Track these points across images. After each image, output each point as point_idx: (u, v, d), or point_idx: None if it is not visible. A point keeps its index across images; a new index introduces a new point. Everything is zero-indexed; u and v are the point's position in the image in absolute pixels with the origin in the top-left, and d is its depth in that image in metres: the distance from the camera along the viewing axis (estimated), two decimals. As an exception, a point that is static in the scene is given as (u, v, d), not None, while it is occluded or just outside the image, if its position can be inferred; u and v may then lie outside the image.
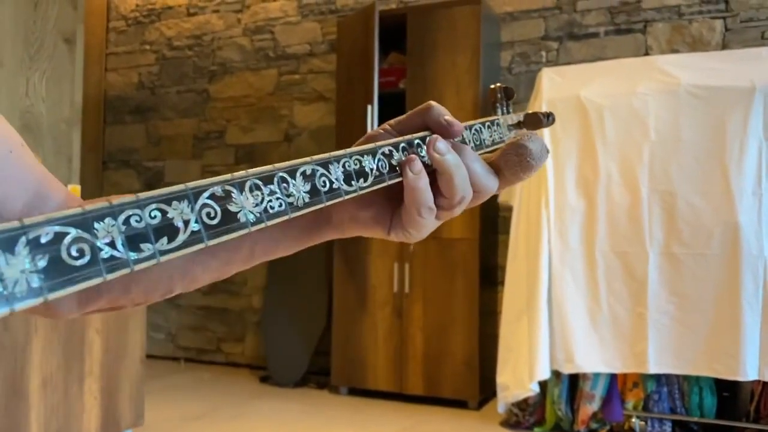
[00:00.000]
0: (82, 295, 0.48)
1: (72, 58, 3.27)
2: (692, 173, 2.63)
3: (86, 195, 3.59)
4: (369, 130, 3.25)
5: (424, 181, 0.47)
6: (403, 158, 0.46)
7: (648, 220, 2.67)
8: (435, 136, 0.48)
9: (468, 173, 0.48)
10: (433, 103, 0.51)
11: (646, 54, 3.41)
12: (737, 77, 2.62)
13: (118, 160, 4.82)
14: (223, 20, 4.48)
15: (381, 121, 3.31)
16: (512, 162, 0.50)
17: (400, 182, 0.47)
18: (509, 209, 3.06)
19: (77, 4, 3.30)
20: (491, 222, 3.53)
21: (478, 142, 0.54)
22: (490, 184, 0.50)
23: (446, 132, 0.50)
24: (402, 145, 0.47)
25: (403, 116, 0.52)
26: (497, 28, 3.67)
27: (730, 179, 2.56)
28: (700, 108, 2.64)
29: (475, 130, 0.54)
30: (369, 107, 3.29)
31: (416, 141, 0.49)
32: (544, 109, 2.82)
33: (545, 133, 2.82)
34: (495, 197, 3.16)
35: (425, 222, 0.48)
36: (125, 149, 4.79)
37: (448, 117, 0.50)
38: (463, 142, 0.52)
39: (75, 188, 3.07)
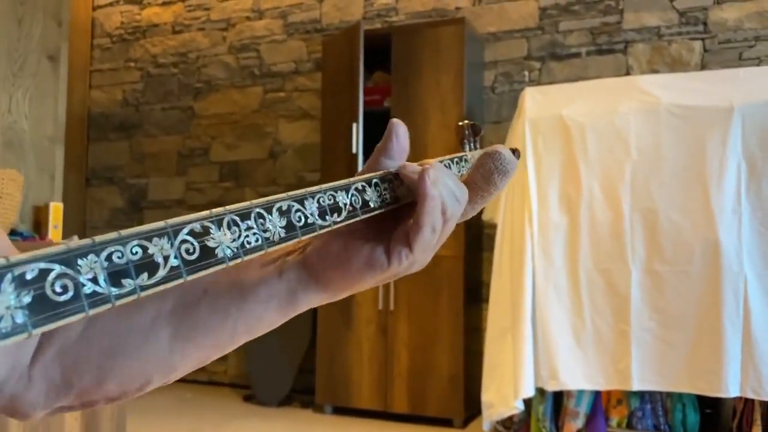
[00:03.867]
0: (51, 386, 0.46)
1: (56, 75, 3.26)
2: (673, 191, 2.67)
3: (69, 212, 3.56)
4: (354, 148, 3.28)
5: (437, 190, 0.47)
6: (376, 194, 0.47)
7: (630, 238, 2.70)
8: (426, 167, 0.48)
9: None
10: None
11: (627, 74, 3.46)
12: (716, 97, 2.66)
13: (101, 177, 4.79)
14: (209, 38, 4.50)
15: (366, 139, 3.32)
16: (489, 169, 0.52)
17: (383, 213, 0.47)
18: (494, 227, 3.08)
19: (62, 22, 3.30)
20: (476, 239, 3.54)
21: None
22: (461, 195, 0.50)
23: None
24: (374, 180, 0.48)
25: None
26: (481, 48, 3.71)
27: (710, 197, 2.60)
28: (680, 127, 2.68)
29: (445, 165, 0.55)
30: (354, 125, 3.30)
31: (389, 177, 0.50)
32: (527, 128, 2.86)
33: (528, 152, 2.84)
34: (480, 214, 3.18)
35: (432, 239, 0.48)
36: (109, 166, 4.77)
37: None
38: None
39: (57, 206, 3.05)
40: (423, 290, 3.34)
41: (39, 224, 3.05)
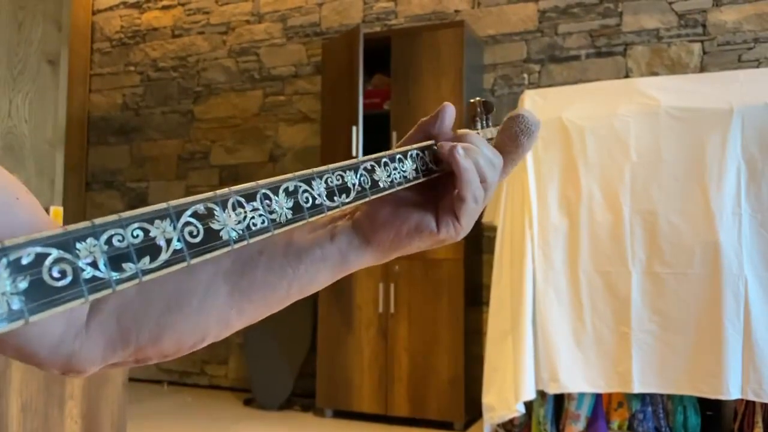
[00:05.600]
0: (108, 342, 0.46)
1: (56, 79, 3.27)
2: (673, 193, 2.66)
3: (69, 216, 3.56)
4: (353, 150, 3.28)
5: (471, 162, 0.50)
6: (385, 173, 0.48)
7: (630, 240, 2.69)
8: (456, 143, 0.51)
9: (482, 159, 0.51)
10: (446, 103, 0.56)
11: (627, 76, 3.46)
12: (715, 99, 2.66)
13: (101, 181, 4.79)
14: (208, 42, 4.50)
15: (366, 142, 3.33)
16: (514, 132, 0.54)
17: (422, 182, 0.50)
18: (493, 229, 3.07)
19: (62, 26, 3.30)
20: (476, 242, 3.54)
21: None
22: (496, 160, 0.53)
23: (441, 134, 0.54)
24: (384, 160, 0.48)
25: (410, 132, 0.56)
26: (480, 50, 3.72)
27: (710, 199, 2.60)
28: (679, 129, 2.68)
29: None
30: (354, 128, 3.31)
31: (398, 156, 0.50)
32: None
33: (527, 154, 2.84)
34: (479, 217, 3.17)
35: (476, 208, 0.51)
36: (109, 170, 4.77)
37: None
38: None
39: (57, 210, 3.05)
40: (423, 293, 3.34)
41: (39, 228, 3.05)
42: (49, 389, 2.10)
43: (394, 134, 3.45)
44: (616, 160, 2.74)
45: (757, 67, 3.25)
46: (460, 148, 0.49)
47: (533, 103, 2.93)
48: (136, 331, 0.47)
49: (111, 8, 4.84)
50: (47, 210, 3.02)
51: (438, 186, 0.53)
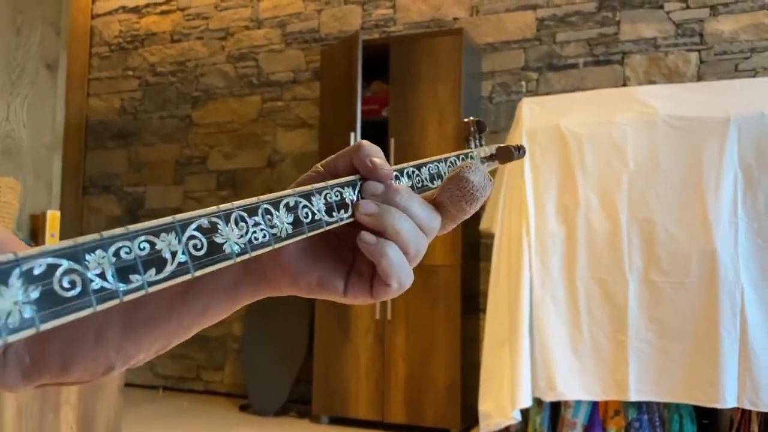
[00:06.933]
0: (24, 370, 0.47)
1: (54, 83, 3.27)
2: (670, 202, 2.67)
3: (67, 220, 3.56)
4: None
5: (389, 248, 0.43)
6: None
7: (627, 248, 2.70)
8: (362, 201, 0.44)
9: (410, 218, 0.44)
10: (363, 143, 0.46)
11: (624, 85, 3.48)
12: (713, 108, 2.68)
13: (98, 186, 4.79)
14: (207, 47, 4.51)
15: (364, 149, 3.33)
16: (455, 196, 0.46)
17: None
18: (491, 236, 3.08)
19: (60, 30, 3.30)
20: (473, 249, 3.54)
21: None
22: (433, 223, 0.46)
23: (372, 176, 0.45)
24: (395, 173, 0.48)
25: (333, 156, 0.47)
26: (478, 58, 3.73)
27: (707, 208, 2.60)
28: (677, 138, 2.69)
29: (450, 162, 0.55)
30: (352, 134, 3.31)
31: (409, 169, 0.50)
32: (524, 138, 2.87)
33: (525, 162, 2.85)
34: (477, 224, 3.18)
35: (400, 289, 0.45)
36: (106, 174, 4.77)
37: (376, 159, 0.45)
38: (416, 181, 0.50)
39: (54, 214, 3.05)
40: (420, 300, 3.33)
41: (36, 233, 3.04)
42: (45, 394, 2.10)
43: (392, 141, 3.46)
44: (614, 168, 2.75)
45: (754, 76, 3.26)
46: (366, 236, 0.43)
47: (531, 110, 2.94)
48: (44, 363, 0.47)
49: (110, 13, 4.85)
50: (44, 215, 3.01)
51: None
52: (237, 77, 4.41)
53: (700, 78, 3.36)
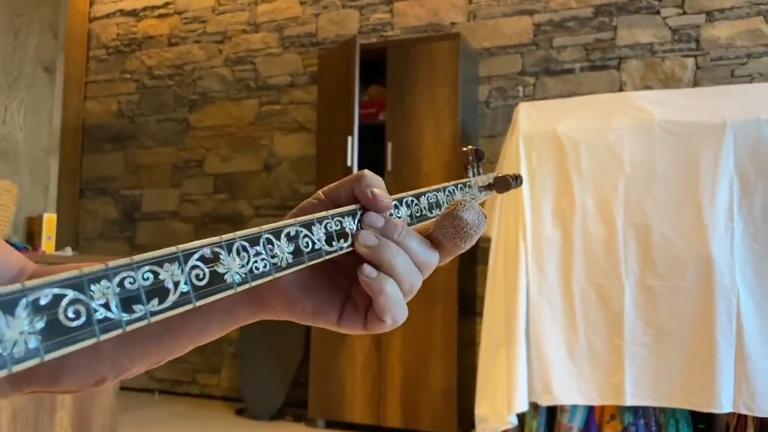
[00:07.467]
0: (12, 381, 0.47)
1: (51, 86, 3.26)
2: (666, 206, 2.68)
3: (63, 223, 3.55)
4: (349, 161, 3.29)
5: (388, 284, 0.44)
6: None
7: (623, 252, 2.70)
8: (362, 232, 0.44)
9: (407, 253, 0.45)
10: (365, 172, 0.46)
11: (621, 90, 3.49)
12: (709, 113, 2.69)
13: (95, 188, 4.78)
14: (205, 50, 4.51)
15: (360, 152, 3.33)
16: (450, 234, 0.47)
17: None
18: (487, 240, 3.08)
19: (58, 33, 3.30)
20: (470, 252, 3.55)
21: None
22: (430, 260, 0.47)
23: (372, 206, 0.45)
24: (394, 202, 0.48)
25: (335, 184, 0.47)
26: (475, 63, 3.74)
27: (703, 213, 2.61)
28: (673, 143, 2.70)
29: (449, 191, 0.55)
30: (349, 138, 3.31)
31: (408, 199, 0.50)
32: (520, 142, 2.88)
33: (522, 167, 2.86)
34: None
35: (393, 324, 0.45)
36: (103, 177, 4.76)
37: (377, 190, 0.45)
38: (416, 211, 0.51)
39: (51, 217, 3.04)
40: (416, 303, 3.33)
41: (32, 235, 3.04)
42: (40, 398, 2.09)
43: (389, 145, 3.46)
44: (610, 172, 2.76)
45: (750, 82, 3.28)
46: (367, 269, 0.43)
47: (527, 115, 2.95)
48: (34, 374, 0.47)
49: (107, 16, 4.85)
50: (41, 217, 3.01)
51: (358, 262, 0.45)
52: (234, 81, 4.41)
53: (696, 83, 3.37)
